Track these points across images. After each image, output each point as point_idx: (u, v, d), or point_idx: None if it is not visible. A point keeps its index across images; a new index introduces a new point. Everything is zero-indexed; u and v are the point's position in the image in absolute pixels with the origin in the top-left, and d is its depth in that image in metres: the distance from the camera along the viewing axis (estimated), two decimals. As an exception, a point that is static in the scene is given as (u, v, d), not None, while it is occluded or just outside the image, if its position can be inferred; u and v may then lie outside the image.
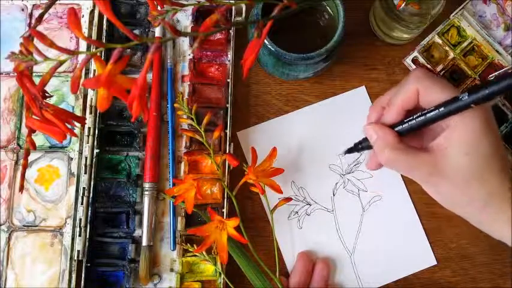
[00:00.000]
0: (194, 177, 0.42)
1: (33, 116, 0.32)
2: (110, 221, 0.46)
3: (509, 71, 0.31)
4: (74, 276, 0.44)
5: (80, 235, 0.44)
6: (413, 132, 0.37)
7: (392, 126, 0.37)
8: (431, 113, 0.35)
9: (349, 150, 0.43)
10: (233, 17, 0.48)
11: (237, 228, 0.40)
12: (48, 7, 0.33)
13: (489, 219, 0.36)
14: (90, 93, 0.47)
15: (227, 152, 0.46)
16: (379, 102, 0.40)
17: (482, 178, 0.34)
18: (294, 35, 0.45)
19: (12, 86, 0.48)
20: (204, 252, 0.43)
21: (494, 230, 0.36)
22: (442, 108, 0.34)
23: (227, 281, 0.44)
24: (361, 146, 0.42)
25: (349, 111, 0.49)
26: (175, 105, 0.46)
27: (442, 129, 0.35)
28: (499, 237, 0.36)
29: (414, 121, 0.36)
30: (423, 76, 0.35)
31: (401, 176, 0.48)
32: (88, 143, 0.45)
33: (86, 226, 0.45)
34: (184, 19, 0.49)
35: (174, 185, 0.45)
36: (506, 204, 0.34)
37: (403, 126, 0.37)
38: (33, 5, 0.49)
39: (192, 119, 0.45)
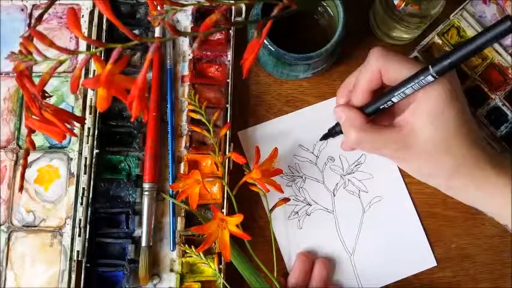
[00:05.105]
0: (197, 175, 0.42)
1: (33, 116, 0.32)
2: (109, 221, 0.46)
3: (464, 41, 0.31)
4: (73, 276, 0.44)
5: (79, 235, 0.44)
6: (382, 111, 0.37)
7: (361, 108, 0.37)
8: (396, 91, 0.35)
9: (324, 137, 0.44)
10: (233, 17, 0.48)
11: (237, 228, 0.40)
12: (48, 7, 0.33)
13: (458, 187, 0.36)
14: (90, 93, 0.46)
15: (227, 151, 0.46)
16: (345, 86, 0.40)
17: (449, 148, 0.34)
18: (294, 35, 0.45)
19: (12, 86, 0.48)
20: (201, 254, 0.43)
21: (463, 197, 0.37)
22: (405, 84, 0.34)
23: (225, 283, 0.44)
24: (335, 130, 0.42)
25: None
26: (184, 98, 0.46)
27: (409, 104, 0.35)
28: (470, 204, 0.37)
29: (380, 100, 0.36)
30: (383, 55, 0.35)
31: (402, 176, 0.48)
32: (88, 143, 0.45)
33: (85, 226, 0.44)
34: (184, 19, 0.49)
35: (175, 181, 0.45)
36: (475, 172, 0.35)
37: (371, 106, 0.37)
38: (33, 5, 0.49)
39: (202, 114, 0.44)
